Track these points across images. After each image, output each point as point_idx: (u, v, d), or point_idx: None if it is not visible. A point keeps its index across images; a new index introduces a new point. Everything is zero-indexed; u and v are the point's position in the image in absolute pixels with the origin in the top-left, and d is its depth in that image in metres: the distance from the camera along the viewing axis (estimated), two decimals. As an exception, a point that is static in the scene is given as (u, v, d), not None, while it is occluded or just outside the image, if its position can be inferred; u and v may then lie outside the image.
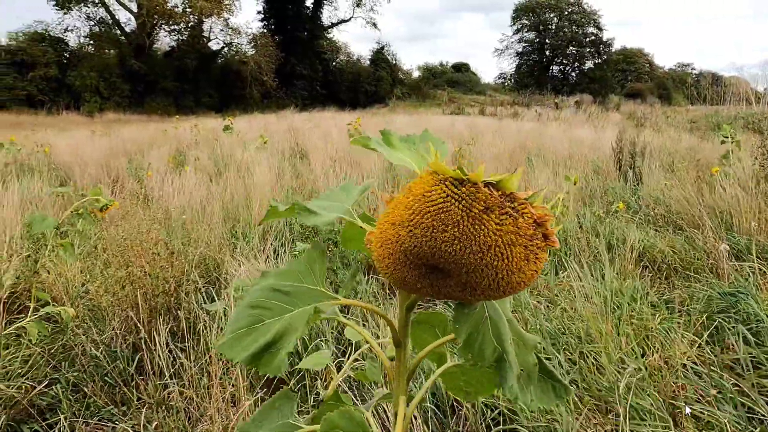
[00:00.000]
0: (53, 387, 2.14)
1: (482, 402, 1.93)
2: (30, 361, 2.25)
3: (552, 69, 49.78)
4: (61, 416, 1.96)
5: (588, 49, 48.19)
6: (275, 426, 0.77)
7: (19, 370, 2.17)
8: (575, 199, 5.48)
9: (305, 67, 37.51)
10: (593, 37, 48.10)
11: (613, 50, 48.88)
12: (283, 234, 4.15)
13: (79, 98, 29.30)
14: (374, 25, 42.49)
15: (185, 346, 2.32)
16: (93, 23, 33.42)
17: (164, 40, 36.54)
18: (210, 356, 2.18)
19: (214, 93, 34.11)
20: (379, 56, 40.88)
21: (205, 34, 36.15)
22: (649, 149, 7.60)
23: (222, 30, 36.92)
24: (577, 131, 13.10)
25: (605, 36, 48.96)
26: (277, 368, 0.61)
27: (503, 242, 0.51)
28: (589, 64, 49.02)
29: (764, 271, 3.31)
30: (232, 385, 2.01)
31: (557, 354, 2.20)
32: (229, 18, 36.99)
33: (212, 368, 2.10)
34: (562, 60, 49.39)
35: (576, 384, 1.97)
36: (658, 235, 4.42)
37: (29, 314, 2.31)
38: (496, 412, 1.92)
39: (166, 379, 2.14)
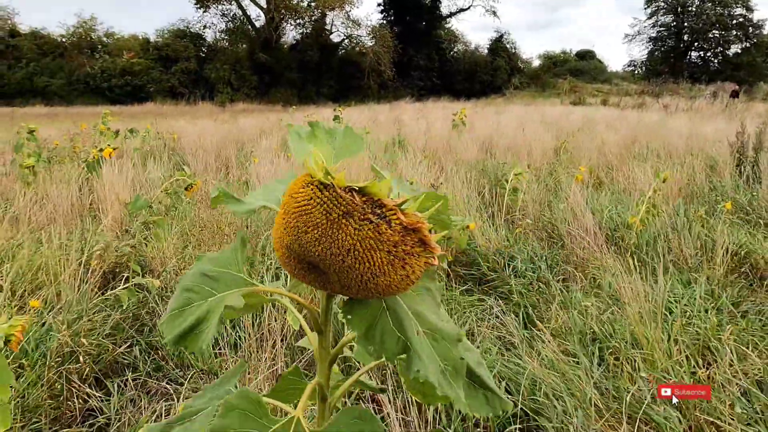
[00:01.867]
0: (134, 348, 2.47)
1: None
2: (120, 324, 2.60)
3: (690, 55, 45.54)
4: (136, 374, 2.27)
5: (734, 32, 43.42)
6: (215, 395, 0.87)
7: (110, 331, 2.52)
8: (677, 197, 5.10)
9: (422, 58, 37.65)
10: (741, 19, 43.21)
11: (765, 33, 43.56)
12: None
13: (213, 89, 31.84)
14: (494, 13, 41.53)
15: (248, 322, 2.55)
16: (227, 20, 36.07)
17: (290, 33, 38.52)
18: (264, 332, 2.39)
19: (333, 84, 35.41)
20: (498, 45, 39.93)
21: (328, 27, 37.56)
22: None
23: (343, 23, 38.12)
24: (705, 124, 11.99)
25: (756, 17, 43.74)
26: (200, 348, 0.66)
27: (362, 247, 0.53)
28: (734, 49, 44.18)
29: None
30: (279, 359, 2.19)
31: (590, 356, 2.14)
32: (350, 11, 38.04)
33: (265, 343, 2.31)
34: (703, 45, 44.94)
35: (602, 389, 1.91)
36: (762, 237, 4.01)
37: (123, 283, 2.67)
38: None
39: (223, 349, 2.38)
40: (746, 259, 3.75)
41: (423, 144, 8.33)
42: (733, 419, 1.70)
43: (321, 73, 35.09)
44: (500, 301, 3.05)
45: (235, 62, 32.88)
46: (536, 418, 1.83)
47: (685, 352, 2.11)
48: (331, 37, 38.00)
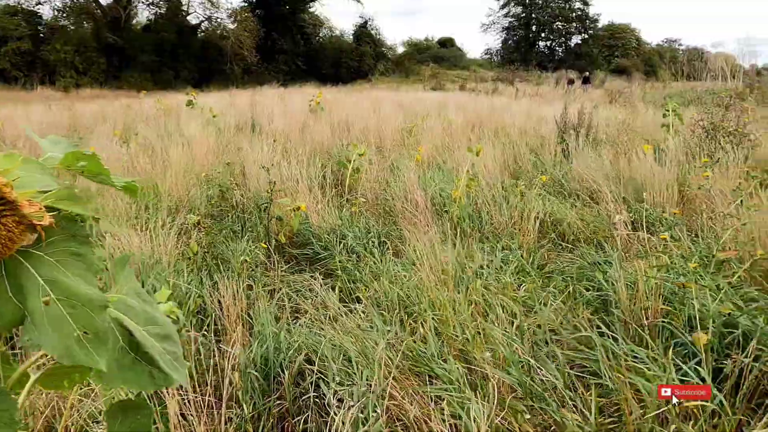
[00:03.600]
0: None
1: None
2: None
3: (538, 44, 49.42)
4: None
5: (574, 25, 47.82)
6: None
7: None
8: (504, 173, 5.53)
9: (287, 42, 37.03)
10: (579, 12, 47.69)
11: (600, 26, 48.52)
12: (197, 207, 4.18)
13: (54, 73, 28.83)
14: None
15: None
16: (67, -4, 32.71)
17: (143, 13, 35.91)
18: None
19: (193, 68, 33.65)
20: (362, 31, 40.37)
21: (184, 7, 35.53)
22: (595, 124, 7.65)
23: (201, 3, 36.29)
24: (546, 107, 13.09)
25: (592, 11, 48.46)
26: None
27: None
28: (575, 40, 48.71)
29: (650, 241, 3.40)
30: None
31: (397, 321, 2.27)
32: (208, -9, 36.25)
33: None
34: (549, 35, 49.01)
35: (399, 351, 2.03)
36: (574, 207, 4.48)
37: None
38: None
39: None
40: (556, 226, 4.17)
41: (277, 127, 8.22)
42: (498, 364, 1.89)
43: (179, 57, 33.16)
44: (329, 279, 3.12)
45: (79, 43, 29.96)
46: (327, 380, 1.89)
47: (470, 309, 2.30)
48: (189, 18, 36.04)
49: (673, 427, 1.62)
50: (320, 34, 40.90)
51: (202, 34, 36.08)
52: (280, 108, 11.87)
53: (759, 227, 3.42)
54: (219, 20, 36.32)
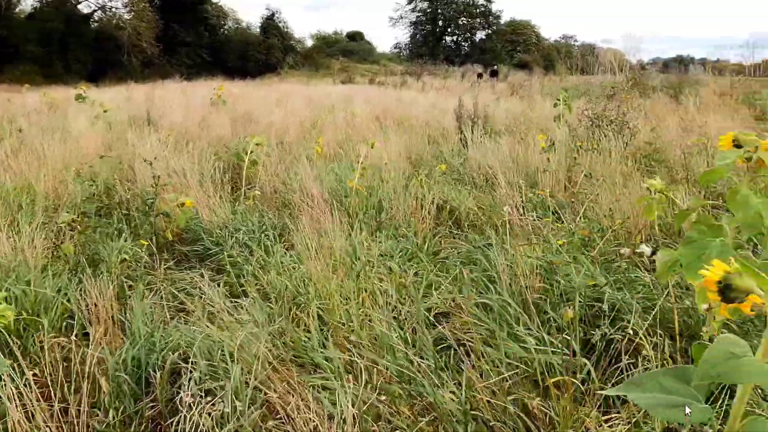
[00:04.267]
0: None
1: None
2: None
3: (445, 39, 50.65)
4: None
5: (478, 20, 49.43)
6: None
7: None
8: (407, 163, 5.61)
9: (190, 34, 35.54)
10: (483, 8, 49.36)
11: (502, 22, 50.47)
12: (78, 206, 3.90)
13: None
14: (262, -10, 40.96)
15: None
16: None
17: (26, 1, 33.15)
18: None
19: (87, 60, 31.50)
20: (270, 23, 39.53)
21: (74, -5, 33.18)
22: (493, 115, 7.94)
23: (94, -9, 34.02)
24: (451, 100, 13.43)
25: (494, 8, 50.32)
26: None
27: None
28: (480, 36, 50.38)
29: (537, 224, 3.56)
30: None
31: (286, 312, 2.22)
32: (99, -21, 34.04)
33: None
34: (455, 30, 50.36)
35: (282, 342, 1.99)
36: (471, 194, 4.61)
37: None
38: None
39: None
40: (453, 213, 4.27)
41: (175, 122, 7.86)
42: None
43: (70, 48, 30.88)
44: (219, 275, 3.01)
45: (-50, 33, 27.20)
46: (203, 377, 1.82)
47: (359, 297, 2.29)
48: (80, 7, 33.68)
49: (536, 400, 1.70)
50: (225, 26, 39.60)
51: (96, 24, 33.85)
52: (181, 102, 11.39)
53: (631, 206, 3.69)
54: (114, 9, 34.24)
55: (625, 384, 0.92)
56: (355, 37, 49.30)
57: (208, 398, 1.70)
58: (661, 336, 2.09)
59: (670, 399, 0.85)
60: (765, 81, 14.04)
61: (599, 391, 1.90)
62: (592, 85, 18.91)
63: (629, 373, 1.96)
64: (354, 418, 1.50)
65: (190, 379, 1.82)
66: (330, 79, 30.83)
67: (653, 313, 2.19)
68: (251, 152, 4.75)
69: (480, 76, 28.10)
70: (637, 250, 2.07)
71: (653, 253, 1.90)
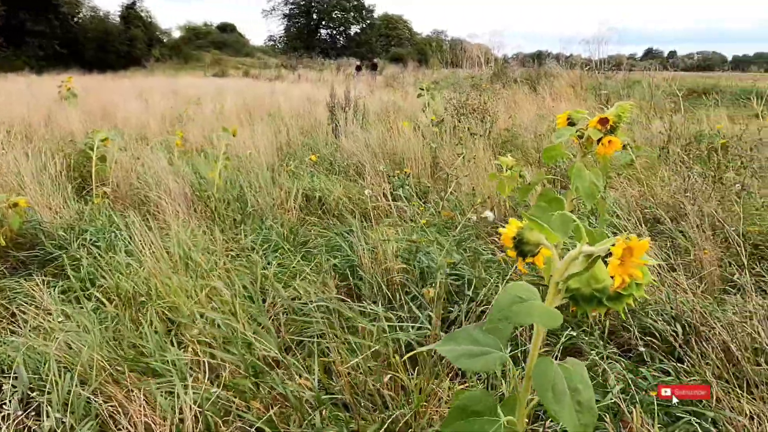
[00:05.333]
0: None
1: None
2: None
3: (320, 33, 50.44)
4: None
5: (352, 14, 49.76)
6: None
7: None
8: (276, 154, 5.48)
9: (40, 23, 32.14)
10: (356, 2, 49.73)
11: (376, 16, 51.24)
12: None
13: None
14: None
15: None
16: None
17: None
18: None
19: None
20: (131, 13, 36.82)
21: None
22: (366, 105, 8.01)
23: None
24: (326, 92, 13.37)
25: (367, 2, 50.91)
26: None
27: None
28: (355, 29, 50.77)
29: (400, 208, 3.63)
30: None
31: (134, 315, 2.05)
32: None
33: None
34: (329, 24, 50.30)
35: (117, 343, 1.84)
36: (341, 183, 4.60)
37: None
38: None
39: None
40: (323, 203, 4.23)
41: (15, 118, 7.04)
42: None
43: None
44: (61, 280, 2.73)
45: None
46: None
47: (205, 292, 2.18)
48: None
49: (388, 377, 1.71)
50: (80, 15, 36.31)
51: None
52: (25, 97, 10.26)
53: (491, 188, 3.88)
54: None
55: (443, 340, 0.94)
56: (227, 29, 47.51)
57: (34, 414, 1.52)
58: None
59: (476, 349, 0.89)
60: (609, 74, 15.49)
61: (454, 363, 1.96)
62: (460, 77, 19.82)
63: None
64: (196, 417, 1.41)
65: (12, 394, 1.63)
66: (201, 72, 29.46)
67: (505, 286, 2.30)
68: (98, 148, 4.37)
69: (359, 68, 28.29)
70: (482, 216, 2.16)
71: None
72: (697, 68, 38.75)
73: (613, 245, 0.76)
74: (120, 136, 5.34)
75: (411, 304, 2.32)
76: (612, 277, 0.76)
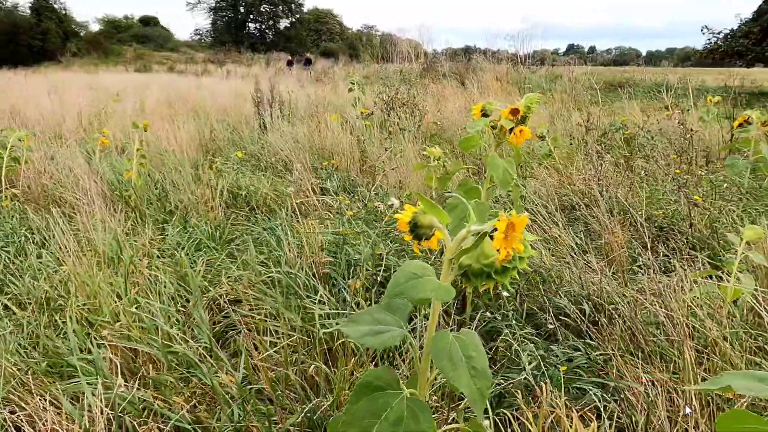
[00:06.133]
0: None
1: None
2: None
3: (248, 27, 49.37)
4: None
5: (281, 8, 49.01)
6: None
7: None
8: (198, 151, 5.35)
9: (-64, 15, 29.82)
10: (285, -4, 49.11)
11: (305, 10, 50.70)
12: None
13: None
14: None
15: None
16: None
17: None
18: None
19: None
20: (43, 5, 34.70)
21: None
22: (294, 100, 7.94)
23: None
24: (251, 87, 13.12)
25: (295, -4, 50.30)
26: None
27: None
28: (284, 23, 50.03)
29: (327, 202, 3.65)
30: None
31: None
32: None
33: None
34: (257, 17, 49.31)
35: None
36: (268, 179, 4.55)
37: None
38: None
39: None
40: (250, 199, 4.17)
41: None
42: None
43: None
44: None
45: None
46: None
47: (133, 292, 2.12)
48: None
49: (312, 367, 1.73)
50: (-16, 6, 33.90)
51: None
52: None
53: (420, 180, 3.97)
54: None
55: (346, 322, 0.97)
56: (150, 22, 45.63)
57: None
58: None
59: (377, 328, 0.93)
60: (533, 68, 16.12)
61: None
62: (391, 72, 19.98)
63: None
64: (110, 419, 1.37)
65: None
66: (123, 68, 28.16)
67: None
68: (11, 147, 4.13)
69: (290, 63, 27.90)
70: (388, 204, 2.21)
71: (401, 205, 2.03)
72: (614, 63, 40.93)
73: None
74: (32, 134, 5.06)
75: (337, 297, 2.34)
76: (498, 251, 0.81)
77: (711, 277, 2.17)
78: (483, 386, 0.84)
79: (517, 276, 0.87)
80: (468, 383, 0.84)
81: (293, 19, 49.78)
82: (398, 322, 0.94)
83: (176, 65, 28.03)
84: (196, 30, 51.05)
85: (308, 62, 27.37)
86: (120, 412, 1.57)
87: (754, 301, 1.83)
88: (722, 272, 2.11)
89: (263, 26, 49.74)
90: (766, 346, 1.70)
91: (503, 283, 0.87)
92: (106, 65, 28.80)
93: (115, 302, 2.04)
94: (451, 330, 1.23)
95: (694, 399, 1.47)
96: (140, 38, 40.79)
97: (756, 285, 1.98)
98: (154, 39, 42.01)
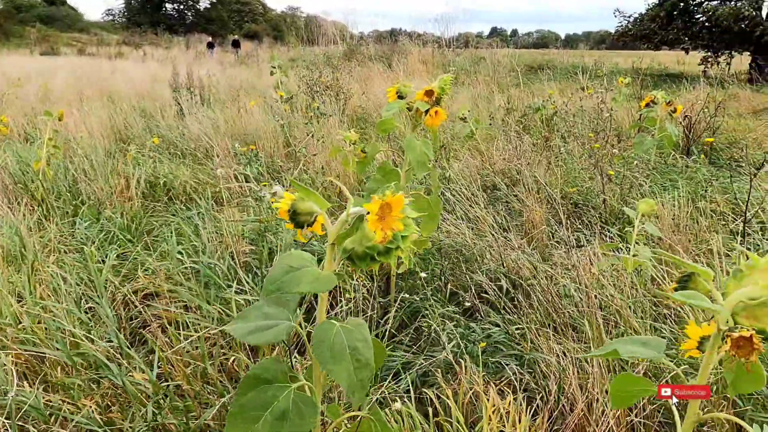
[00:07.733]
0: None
1: None
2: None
3: (165, 7, 47.07)
4: None
5: (198, -13, 47.05)
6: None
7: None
8: (111, 139, 5.08)
9: None
10: (202, -25, 47.09)
11: (226, -10, 48.87)
12: None
13: None
14: None
15: None
16: None
17: None
18: None
19: None
20: (-70, -20, 31.58)
21: None
22: (215, 84, 7.67)
23: None
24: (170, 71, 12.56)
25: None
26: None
27: None
28: (205, 4, 48.08)
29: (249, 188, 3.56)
30: None
31: None
32: None
33: None
34: (175, -2, 47.12)
35: None
36: (188, 167, 4.38)
37: None
38: None
39: None
40: (169, 188, 4.00)
41: None
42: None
43: None
44: None
45: None
46: None
47: (38, 291, 1.99)
48: None
49: (234, 359, 1.68)
50: None
51: None
52: None
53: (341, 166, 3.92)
54: None
55: (235, 318, 0.94)
56: (55, 2, 42.50)
57: None
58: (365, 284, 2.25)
59: (264, 323, 0.91)
60: (458, 51, 16.33)
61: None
62: (317, 54, 19.68)
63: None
64: (7, 428, 1.28)
65: None
66: (27, 50, 26.13)
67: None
68: None
69: (211, 45, 26.81)
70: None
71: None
72: (534, 45, 42.24)
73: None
74: None
75: (260, 285, 2.29)
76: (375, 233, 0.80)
77: (619, 249, 2.29)
78: (365, 377, 0.84)
79: (402, 254, 0.86)
80: (348, 376, 0.83)
81: (214, 1, 47.93)
82: (287, 314, 0.92)
83: (87, 47, 26.32)
84: (108, 10, 48.13)
85: (236, 44, 26.40)
86: (24, 419, 1.47)
87: (653, 270, 1.95)
88: (626, 244, 2.23)
89: (182, 6, 47.58)
90: (665, 312, 1.81)
91: (408, 263, 0.87)
92: (7, 48, 26.62)
93: (17, 303, 1.91)
94: (373, 314, 1.23)
95: (601, 365, 1.55)
96: (45, 19, 37.94)
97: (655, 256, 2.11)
98: (60, 19, 39.21)
